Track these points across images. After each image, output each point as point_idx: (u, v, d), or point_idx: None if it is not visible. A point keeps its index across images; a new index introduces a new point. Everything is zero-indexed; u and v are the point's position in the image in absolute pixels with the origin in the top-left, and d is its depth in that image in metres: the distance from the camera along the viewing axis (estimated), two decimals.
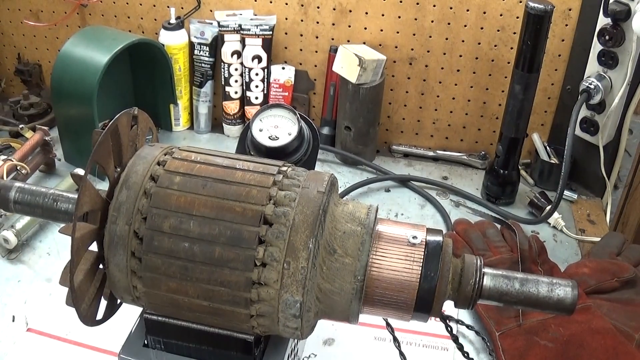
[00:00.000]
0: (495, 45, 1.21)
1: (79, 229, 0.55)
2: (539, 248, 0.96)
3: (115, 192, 0.59)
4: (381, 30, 1.24)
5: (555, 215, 1.11)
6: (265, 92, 1.33)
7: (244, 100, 1.34)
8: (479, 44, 1.21)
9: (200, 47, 1.30)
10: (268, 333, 0.61)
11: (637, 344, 0.83)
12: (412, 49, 1.24)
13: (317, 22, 1.26)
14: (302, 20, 1.27)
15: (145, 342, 0.66)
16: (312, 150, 0.77)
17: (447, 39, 1.22)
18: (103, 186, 0.63)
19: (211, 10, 1.29)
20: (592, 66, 1.11)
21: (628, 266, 0.94)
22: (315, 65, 1.31)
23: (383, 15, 1.22)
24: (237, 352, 0.63)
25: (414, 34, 1.23)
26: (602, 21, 1.06)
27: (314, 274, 0.57)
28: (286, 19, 1.27)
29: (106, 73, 1.10)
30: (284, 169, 0.61)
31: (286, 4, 1.25)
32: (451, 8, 1.18)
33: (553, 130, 1.26)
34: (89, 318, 0.60)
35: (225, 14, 1.28)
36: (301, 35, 1.28)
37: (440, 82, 1.27)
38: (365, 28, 1.24)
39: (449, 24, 1.20)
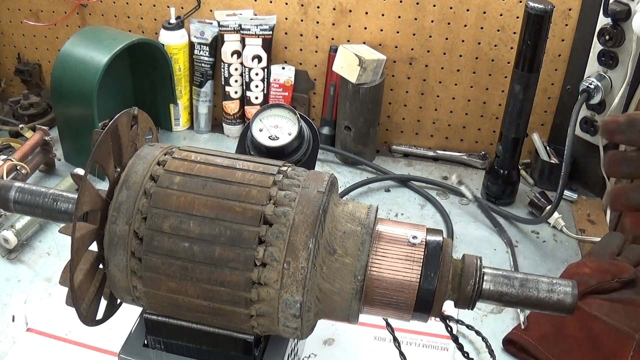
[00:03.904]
0: (495, 45, 1.21)
1: (79, 229, 0.55)
2: None
3: (115, 192, 0.59)
4: (381, 30, 1.24)
5: (555, 215, 1.11)
6: (265, 92, 1.33)
7: (244, 100, 1.34)
8: (479, 44, 1.21)
9: (200, 47, 1.30)
10: (268, 333, 0.61)
11: (637, 344, 0.83)
12: (412, 49, 1.24)
13: (317, 22, 1.26)
14: (302, 20, 1.27)
15: (145, 342, 0.66)
16: (312, 150, 0.77)
17: (447, 39, 1.22)
18: (103, 186, 0.63)
19: (211, 10, 1.29)
20: (592, 66, 1.11)
21: (628, 267, 0.94)
22: (315, 65, 1.31)
23: (383, 15, 1.22)
24: (237, 352, 0.63)
25: (414, 34, 1.23)
26: (602, 21, 1.06)
27: (314, 274, 0.57)
28: (286, 19, 1.27)
29: (106, 73, 1.10)
30: (284, 169, 0.61)
31: (286, 4, 1.25)
32: (451, 8, 1.18)
33: (553, 130, 1.26)
34: (89, 318, 0.60)
35: (225, 14, 1.28)
36: (301, 35, 1.28)
37: (440, 82, 1.27)
38: (365, 28, 1.24)
39: (449, 24, 1.20)
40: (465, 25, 1.20)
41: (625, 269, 0.93)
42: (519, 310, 0.91)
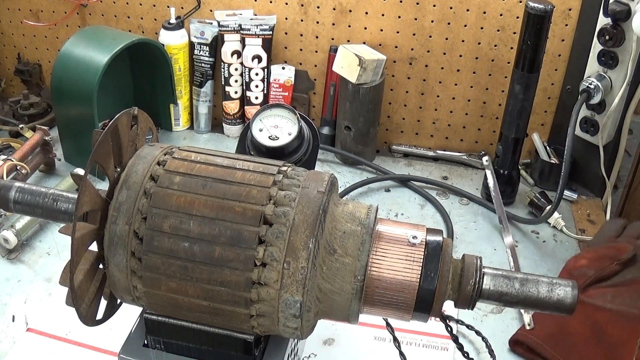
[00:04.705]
0: (495, 45, 1.21)
1: (79, 229, 0.55)
2: None
3: (115, 192, 0.59)
4: (381, 30, 1.24)
5: (555, 215, 1.11)
6: (265, 92, 1.33)
7: (244, 100, 1.34)
8: (479, 44, 1.21)
9: (200, 47, 1.30)
10: (268, 333, 0.61)
11: None
12: (412, 49, 1.24)
13: (317, 22, 1.26)
14: (302, 20, 1.27)
15: (145, 342, 0.66)
16: (312, 150, 0.77)
17: (447, 39, 1.22)
18: (103, 186, 0.63)
19: (211, 10, 1.29)
20: (592, 66, 1.11)
21: (626, 245, 0.92)
22: (315, 65, 1.31)
23: (383, 15, 1.22)
24: (237, 352, 0.63)
25: (414, 34, 1.23)
26: (602, 21, 1.06)
27: (314, 274, 0.57)
28: (286, 19, 1.27)
29: (106, 73, 1.10)
30: (284, 169, 0.61)
31: (286, 4, 1.25)
32: (451, 8, 1.18)
33: (553, 130, 1.26)
34: (89, 318, 0.60)
35: (225, 14, 1.28)
36: (301, 35, 1.28)
37: (440, 82, 1.27)
38: (365, 28, 1.24)
39: (449, 24, 1.20)
40: (465, 25, 1.20)
41: (623, 248, 0.91)
42: (523, 310, 0.91)
